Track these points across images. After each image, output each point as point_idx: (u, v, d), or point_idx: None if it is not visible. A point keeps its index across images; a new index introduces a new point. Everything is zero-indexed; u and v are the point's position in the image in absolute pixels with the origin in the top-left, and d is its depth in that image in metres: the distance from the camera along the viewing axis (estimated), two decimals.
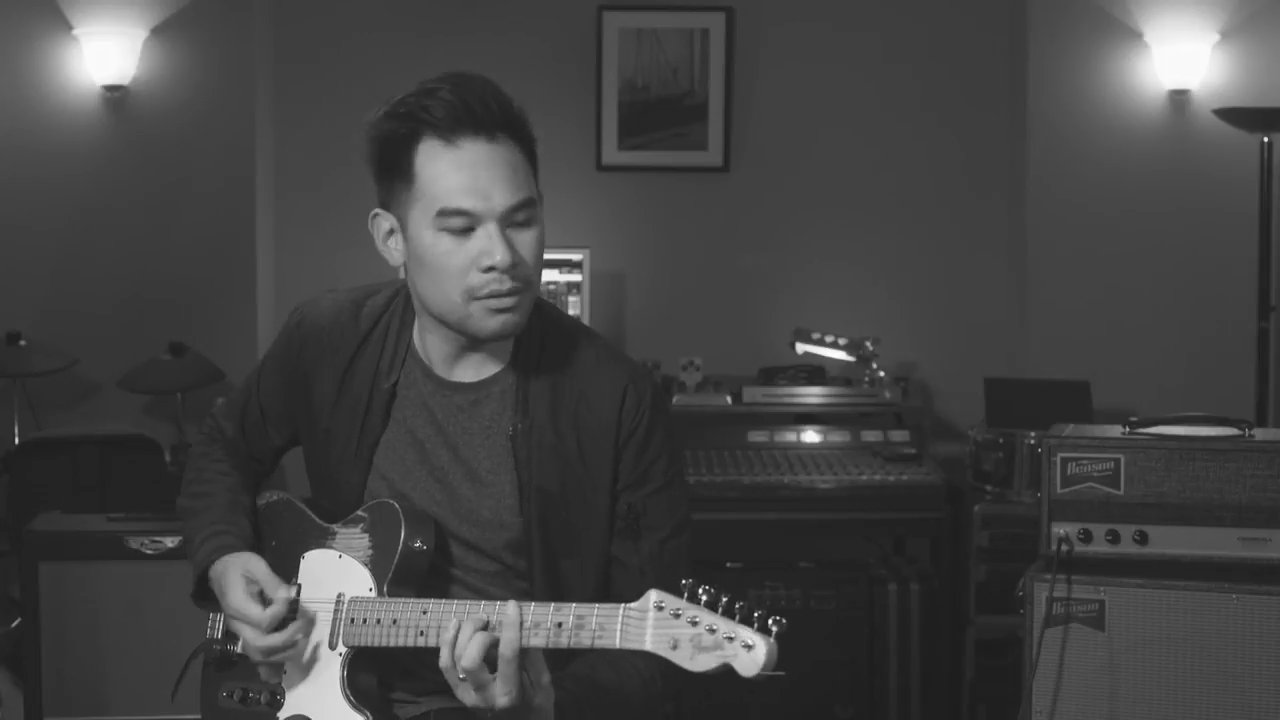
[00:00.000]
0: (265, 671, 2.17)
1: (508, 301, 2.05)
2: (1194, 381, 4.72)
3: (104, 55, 4.71)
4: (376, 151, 2.08)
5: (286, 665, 2.16)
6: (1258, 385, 4.44)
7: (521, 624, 1.88)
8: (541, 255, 2.10)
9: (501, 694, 1.89)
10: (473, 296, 2.04)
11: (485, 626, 1.91)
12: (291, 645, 2.12)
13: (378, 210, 2.11)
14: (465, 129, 2.02)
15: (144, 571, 3.59)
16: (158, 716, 3.46)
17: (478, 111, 2.02)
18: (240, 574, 2.14)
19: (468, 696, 1.92)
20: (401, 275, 2.17)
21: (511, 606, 1.90)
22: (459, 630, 1.91)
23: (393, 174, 2.06)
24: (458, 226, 2.02)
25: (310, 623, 2.13)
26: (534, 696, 1.92)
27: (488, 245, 2.02)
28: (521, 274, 2.05)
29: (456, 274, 2.04)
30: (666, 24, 4.92)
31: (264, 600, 2.12)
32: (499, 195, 2.02)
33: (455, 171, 2.02)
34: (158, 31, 4.76)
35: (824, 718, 4.13)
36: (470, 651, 1.89)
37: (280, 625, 2.11)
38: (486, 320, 2.06)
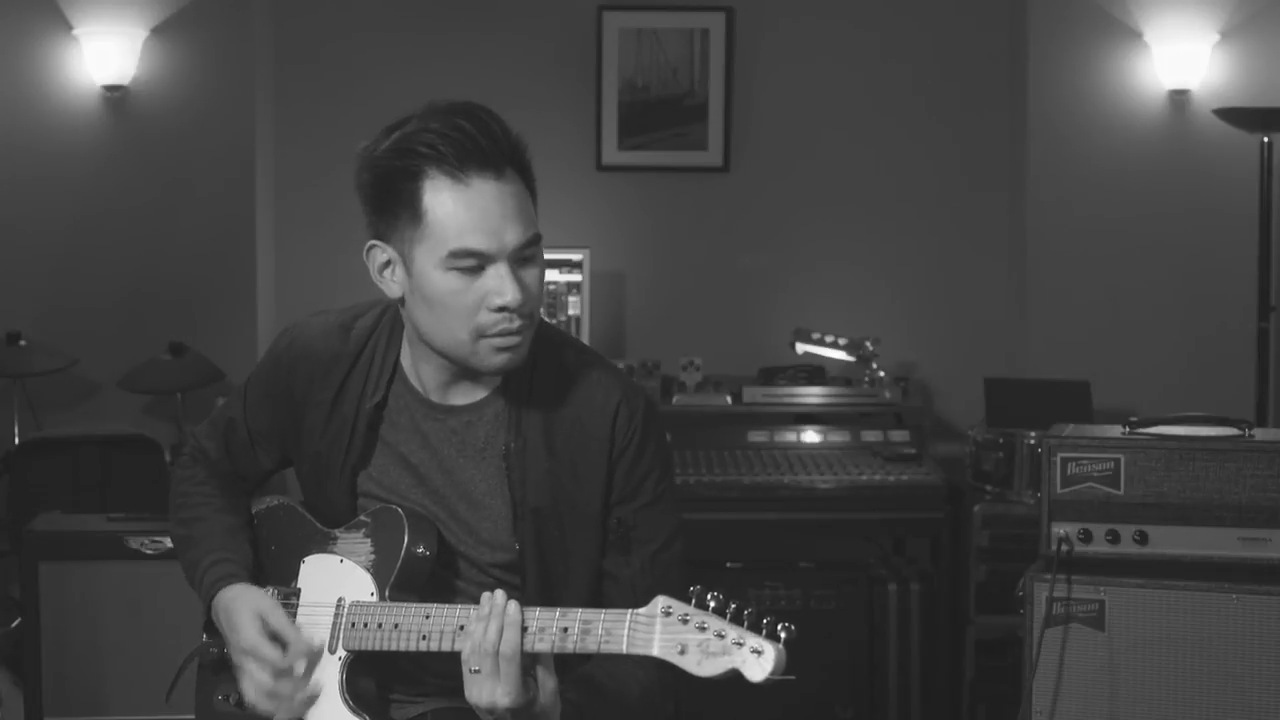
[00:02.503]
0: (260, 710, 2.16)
1: (514, 340, 2.04)
2: (1194, 381, 4.72)
3: (104, 55, 4.71)
4: (377, 185, 2.04)
5: (276, 713, 2.15)
6: (1258, 385, 4.44)
7: (523, 625, 1.89)
8: (543, 290, 2.11)
9: (503, 693, 1.90)
10: (481, 335, 2.04)
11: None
12: (285, 696, 2.09)
13: (374, 242, 2.08)
14: (474, 165, 1.99)
15: (144, 571, 3.58)
16: (157, 717, 3.46)
17: (485, 146, 1.99)
18: (253, 612, 2.12)
19: (474, 694, 1.92)
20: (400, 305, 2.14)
21: (513, 606, 1.90)
22: (487, 625, 1.91)
23: (395, 209, 2.03)
24: (469, 266, 2.01)
25: (315, 658, 2.11)
26: (540, 698, 1.92)
27: (499, 285, 2.01)
28: (528, 311, 2.04)
29: (466, 313, 2.02)
30: (666, 24, 4.92)
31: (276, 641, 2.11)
32: (510, 234, 2.01)
33: (467, 211, 1.99)
34: (158, 31, 4.76)
35: (824, 718, 4.13)
36: (489, 639, 1.90)
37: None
38: (491, 358, 2.06)
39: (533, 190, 2.07)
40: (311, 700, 2.10)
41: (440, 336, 2.07)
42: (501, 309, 2.01)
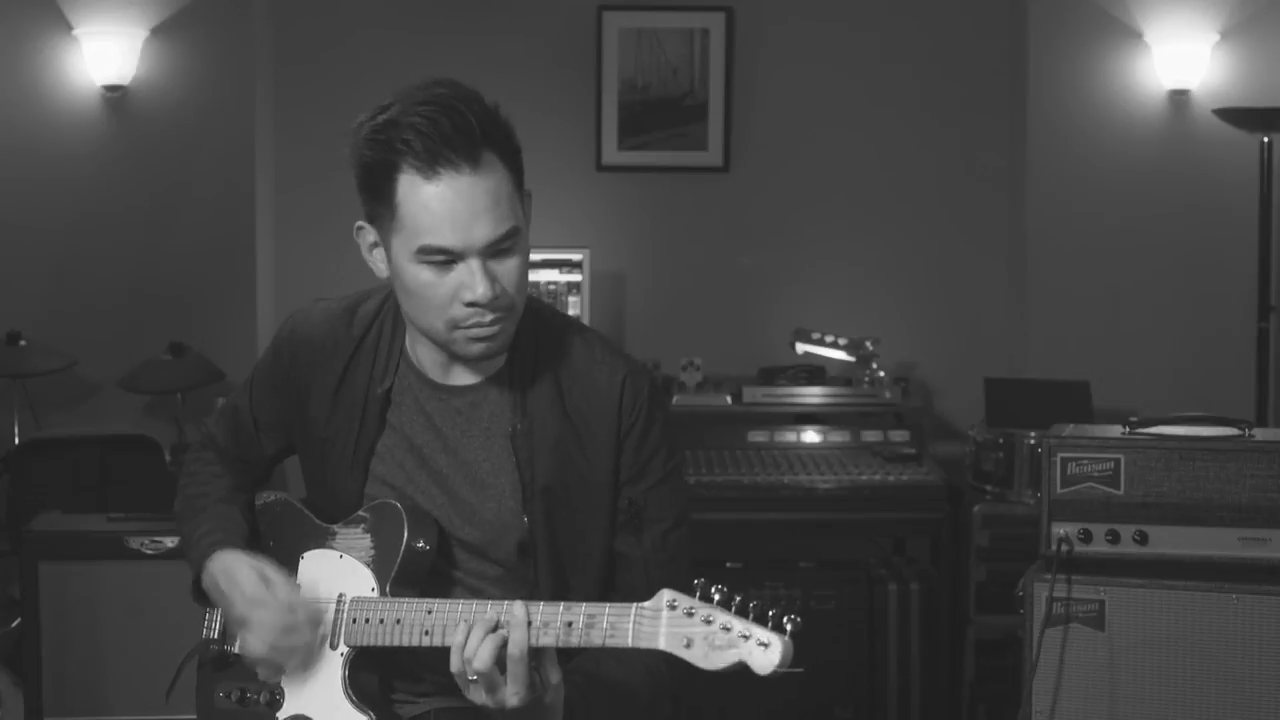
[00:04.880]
0: (264, 671, 2.17)
1: (489, 331, 2.05)
2: (1194, 381, 4.72)
3: (104, 55, 4.71)
4: (360, 171, 2.05)
5: (286, 665, 2.16)
6: (1258, 385, 4.44)
7: (530, 624, 1.89)
8: (525, 278, 2.08)
9: (513, 694, 1.90)
10: (455, 326, 2.04)
11: (494, 628, 1.91)
12: (300, 643, 2.11)
13: (362, 223, 2.10)
14: (445, 160, 1.97)
15: (144, 571, 3.58)
16: (157, 717, 3.46)
17: (456, 140, 1.97)
18: (252, 567, 2.14)
19: (478, 697, 1.92)
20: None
21: (519, 607, 1.90)
22: (469, 634, 1.91)
23: (375, 198, 2.04)
24: (439, 261, 2.01)
25: (318, 620, 2.13)
26: (545, 695, 1.92)
27: (469, 280, 2.00)
28: (503, 304, 2.04)
29: (439, 305, 2.03)
30: (666, 24, 4.92)
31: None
32: (480, 230, 2.00)
33: (437, 206, 1.98)
34: (158, 31, 4.76)
35: (824, 718, 4.13)
36: (482, 654, 1.89)
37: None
38: (468, 347, 2.07)
39: (517, 173, 2.05)
40: (309, 656, 2.10)
41: (420, 322, 2.09)
42: (473, 304, 2.01)
